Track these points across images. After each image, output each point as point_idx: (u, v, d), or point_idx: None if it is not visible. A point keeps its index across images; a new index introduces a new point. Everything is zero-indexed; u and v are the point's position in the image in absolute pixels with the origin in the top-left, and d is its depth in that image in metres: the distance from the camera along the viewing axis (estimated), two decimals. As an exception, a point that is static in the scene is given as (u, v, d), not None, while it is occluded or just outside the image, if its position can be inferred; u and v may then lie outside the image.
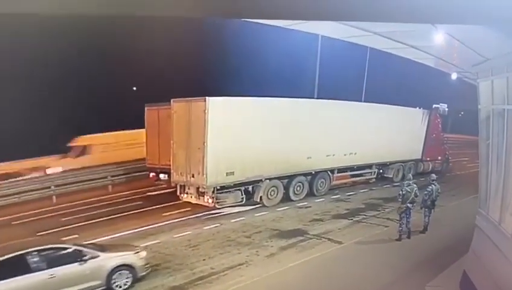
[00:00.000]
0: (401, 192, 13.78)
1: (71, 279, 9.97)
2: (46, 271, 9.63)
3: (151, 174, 19.43)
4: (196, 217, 16.77)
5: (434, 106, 26.47)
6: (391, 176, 23.76)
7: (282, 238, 14.19)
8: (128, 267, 10.81)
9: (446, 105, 27.81)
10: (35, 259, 9.62)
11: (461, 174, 26.39)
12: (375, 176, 23.27)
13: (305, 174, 19.30)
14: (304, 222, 16.10)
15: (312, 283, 10.89)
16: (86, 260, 10.16)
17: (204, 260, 12.46)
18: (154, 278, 11.30)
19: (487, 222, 9.32)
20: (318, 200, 19.50)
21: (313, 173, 19.60)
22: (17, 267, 9.39)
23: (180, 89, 19.18)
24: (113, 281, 10.56)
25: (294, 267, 11.68)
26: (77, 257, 10.13)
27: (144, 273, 11.12)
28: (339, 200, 19.76)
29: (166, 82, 24.52)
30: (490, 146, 9.48)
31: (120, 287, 10.66)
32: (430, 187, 14.12)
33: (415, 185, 13.80)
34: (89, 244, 11.26)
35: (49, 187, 20.34)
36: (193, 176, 16.38)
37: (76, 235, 14.68)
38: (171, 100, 17.06)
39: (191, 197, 16.91)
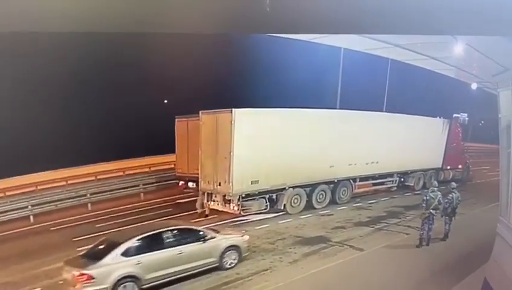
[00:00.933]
0: (425, 198, 13.52)
1: (194, 255, 11.43)
2: (176, 248, 11.13)
3: (180, 183, 19.53)
4: (222, 224, 16.66)
5: (454, 115, 25.92)
6: (412, 184, 23.25)
7: (305, 245, 14.03)
8: (236, 247, 12.34)
9: (466, 114, 27.21)
10: (169, 237, 11.17)
11: (482, 182, 25.63)
12: (396, 184, 22.81)
13: (327, 183, 19.05)
14: (326, 229, 15.89)
15: (334, 289, 10.70)
16: (206, 240, 11.72)
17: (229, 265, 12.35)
18: (182, 283, 11.15)
19: (508, 230, 9.01)
20: (340, 208, 19.24)
21: (336, 181, 19.34)
22: (155, 243, 10.89)
23: (208, 101, 19.37)
24: (224, 259, 12.06)
25: (317, 274, 11.51)
26: (200, 237, 11.68)
27: (246, 254, 12.64)
28: (361, 208, 19.46)
29: (195, 95, 24.75)
30: (511, 154, 9.19)
31: (229, 264, 12.13)
32: (451, 195, 13.76)
33: (439, 193, 13.50)
34: (205, 228, 12.70)
35: (85, 195, 20.60)
36: (220, 184, 16.39)
37: None
38: (200, 112, 17.18)
39: (218, 204, 16.88)
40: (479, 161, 30.25)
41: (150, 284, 10.69)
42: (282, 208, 17.68)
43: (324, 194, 19.10)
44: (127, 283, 10.27)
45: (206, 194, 17.18)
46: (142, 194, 21.90)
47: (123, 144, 24.71)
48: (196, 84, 25.74)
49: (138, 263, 10.44)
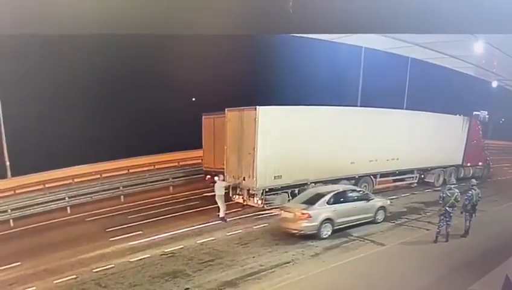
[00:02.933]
0: (441, 195, 13.19)
1: (362, 210, 15.01)
2: (354, 203, 14.80)
3: (207, 177, 19.55)
4: (247, 216, 16.72)
5: (474, 113, 25.26)
6: (432, 181, 22.68)
7: (327, 239, 13.83)
8: (384, 208, 15.75)
9: (486, 112, 26.51)
10: (351, 195, 14.99)
11: (502, 179, 25.04)
12: (416, 180, 22.30)
13: (348, 179, 18.74)
14: None
15: (354, 282, 10.52)
16: (369, 200, 15.34)
17: (253, 257, 12.38)
18: (209, 272, 11.34)
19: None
20: None
21: (357, 177, 19.04)
22: (343, 197, 14.59)
23: (234, 99, 19.39)
24: (377, 216, 15.45)
25: (338, 267, 11.36)
26: (366, 198, 15.34)
27: (389, 214, 15.92)
28: None
29: (222, 93, 24.81)
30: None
31: (378, 220, 15.45)
32: (470, 192, 13.37)
33: (456, 190, 13.09)
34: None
35: (118, 188, 20.78)
36: (244, 179, 16.33)
37: (141, 231, 15.03)
38: (226, 109, 17.13)
39: (242, 198, 16.83)
40: (500, 159, 29.49)
41: (336, 227, 14.14)
42: None
43: None
44: (326, 223, 13.92)
45: (231, 188, 17.06)
46: (171, 187, 21.94)
47: (154, 140, 24.95)
48: (223, 83, 25.77)
49: (334, 210, 14.10)
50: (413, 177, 22.12)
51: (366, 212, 15.21)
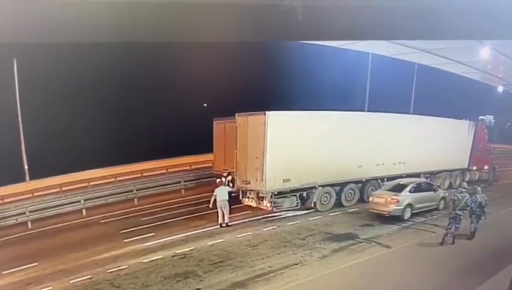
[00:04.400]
0: (452, 197, 13.15)
1: (431, 199, 17.22)
2: (426, 192, 17.05)
3: (218, 180, 19.41)
4: (256, 219, 16.69)
5: (480, 117, 25.01)
6: (438, 184, 22.00)
7: (335, 241, 13.81)
8: (444, 199, 17.60)
9: (492, 116, 26.24)
10: (424, 186, 17.32)
11: (508, 183, 24.59)
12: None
13: (356, 182, 18.70)
14: (354, 227, 15.60)
15: (361, 284, 10.47)
16: (435, 190, 17.71)
17: (263, 258, 12.35)
18: (220, 273, 11.34)
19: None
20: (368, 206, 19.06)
21: (364, 180, 18.95)
22: (418, 187, 16.83)
23: (244, 104, 19.32)
24: (440, 205, 17.42)
25: (345, 269, 11.32)
26: (434, 189, 17.74)
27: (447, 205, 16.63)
28: None
29: (232, 99, 24.87)
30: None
31: (440, 208, 17.31)
32: (474, 196, 13.19)
33: (466, 194, 13.00)
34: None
35: (132, 191, 20.88)
36: (254, 182, 16.27)
37: (153, 233, 15.07)
38: (236, 114, 17.09)
39: (252, 201, 16.84)
40: (505, 162, 29.01)
41: (413, 211, 16.36)
42: (312, 205, 17.45)
43: (353, 192, 18.74)
44: (408, 208, 16.25)
45: (241, 191, 17.07)
46: (183, 190, 22.00)
47: (167, 144, 25.06)
48: (233, 88, 25.83)
49: (414, 197, 16.44)
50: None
51: (433, 201, 17.43)
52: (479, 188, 13.80)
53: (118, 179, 22.28)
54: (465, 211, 12.99)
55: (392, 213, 15.96)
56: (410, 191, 16.53)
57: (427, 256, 12.28)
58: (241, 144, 16.92)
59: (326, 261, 12.15)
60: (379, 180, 19.55)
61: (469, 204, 12.94)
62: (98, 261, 12.79)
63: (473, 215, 13.27)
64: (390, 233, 14.80)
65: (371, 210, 16.58)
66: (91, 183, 21.29)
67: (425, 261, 11.79)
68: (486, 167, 24.76)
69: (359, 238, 14.22)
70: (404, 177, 19.29)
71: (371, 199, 16.92)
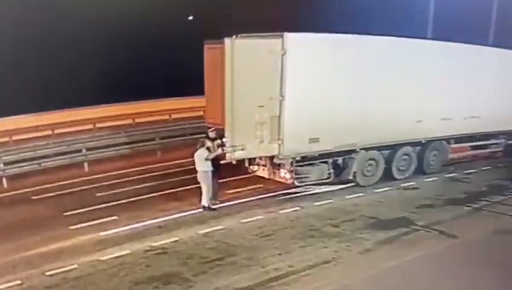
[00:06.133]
0: None
1: None
2: None
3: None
4: (270, 197, 17.20)
5: None
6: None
7: (381, 230, 14.26)
8: None
9: None
10: None
11: None
12: (502, 148, 22.75)
13: (413, 144, 19.14)
14: (409, 209, 16.07)
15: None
16: None
17: (280, 254, 12.71)
18: (217, 276, 11.65)
19: None
20: (428, 179, 19.54)
21: (424, 142, 19.39)
22: None
23: (251, 21, 19.62)
24: None
25: (395, 269, 11.71)
26: None
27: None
28: (455, 180, 19.70)
29: (234, 11, 24.83)
30: None
31: None
32: None
33: None
34: None
35: (80, 151, 21.25)
36: (266, 142, 16.22)
37: (115, 217, 15.51)
38: (234, 36, 15.78)
39: (263, 170, 17.22)
40: None
41: None
42: (351, 177, 17.95)
43: (408, 159, 19.29)
44: None
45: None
46: (158, 151, 22.51)
47: (132, 81, 25.32)
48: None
49: None
50: (498, 143, 22.53)
51: None
52: None
53: (56, 132, 22.97)
54: None
55: None
56: None
57: (508, 249, 12.76)
58: (242, 83, 15.79)
59: (370, 258, 12.58)
60: (444, 142, 20.13)
61: None
62: (30, 259, 12.70)
63: None
64: (456, 217, 15.30)
65: None
66: (13, 138, 21.80)
67: (506, 257, 12.20)
68: None
69: (415, 224, 14.70)
70: (479, 137, 20.21)
71: None
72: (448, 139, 20.26)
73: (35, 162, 20.44)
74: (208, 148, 16.19)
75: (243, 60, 15.66)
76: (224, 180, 17.36)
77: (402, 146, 18.93)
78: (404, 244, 13.44)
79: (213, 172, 16.09)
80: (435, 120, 19.35)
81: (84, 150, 21.46)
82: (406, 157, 19.27)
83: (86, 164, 21.30)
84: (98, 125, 24.26)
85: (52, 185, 19.12)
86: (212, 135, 16.53)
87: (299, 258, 12.65)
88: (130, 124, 24.44)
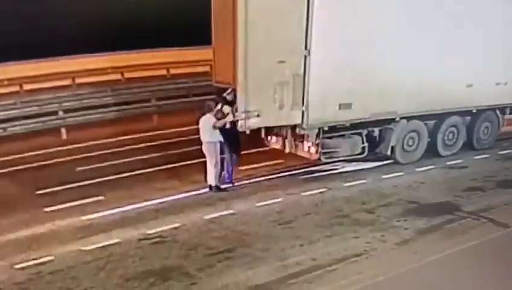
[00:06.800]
0: None
1: None
2: None
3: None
4: (291, 175, 17.54)
5: None
6: None
7: (422, 217, 14.44)
8: None
9: None
10: None
11: None
12: None
13: (461, 114, 19.36)
14: (455, 191, 16.30)
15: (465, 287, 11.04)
16: None
17: (301, 245, 12.90)
18: (226, 271, 11.85)
19: None
20: (479, 156, 19.88)
21: (474, 111, 19.59)
22: None
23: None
24: None
25: (437, 263, 11.81)
26: None
27: None
28: (510, 158, 19.94)
29: None
30: None
31: None
32: None
33: None
34: None
35: (56, 113, 21.79)
36: (286, 108, 16.38)
37: (101, 197, 15.83)
38: None
39: (283, 142, 17.46)
40: None
41: None
42: (388, 153, 18.26)
43: (455, 132, 19.57)
44: None
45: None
46: (154, 115, 22.99)
47: (122, 24, 25.51)
48: None
49: None
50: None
51: None
52: None
53: (26, 88, 23.45)
54: None
55: None
56: None
57: None
58: (260, 31, 15.89)
59: (408, 250, 12.73)
60: (498, 112, 20.35)
61: None
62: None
63: None
64: (509, 203, 15.44)
65: None
66: None
67: None
68: None
69: (461, 211, 14.89)
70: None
71: None
72: (502, 108, 20.42)
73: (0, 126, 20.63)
74: (222, 114, 16.22)
75: (261, 1, 15.69)
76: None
77: (449, 116, 19.11)
78: (447, 235, 13.61)
79: (229, 145, 16.52)
80: (488, 84, 19.39)
81: (61, 113, 21.92)
82: (453, 129, 19.51)
83: (63, 130, 21.77)
84: (79, 80, 24.32)
85: (21, 155, 19.51)
86: (230, 97, 16.37)
87: (324, 250, 12.80)
88: (118, 80, 24.66)
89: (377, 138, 18.22)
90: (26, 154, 19.53)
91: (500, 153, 20.55)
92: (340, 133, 17.26)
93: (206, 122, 16.08)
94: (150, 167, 18.24)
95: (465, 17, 18.25)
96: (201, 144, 16.33)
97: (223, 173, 16.88)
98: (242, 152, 17.35)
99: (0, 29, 23.49)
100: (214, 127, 15.98)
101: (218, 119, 16.07)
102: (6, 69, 24.90)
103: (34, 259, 12.26)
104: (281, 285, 11.35)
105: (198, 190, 16.53)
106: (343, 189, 16.65)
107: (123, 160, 18.86)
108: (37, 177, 17.61)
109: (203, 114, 16.24)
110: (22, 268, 11.90)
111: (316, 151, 16.79)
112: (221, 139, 16.19)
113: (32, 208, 15.14)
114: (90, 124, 22.28)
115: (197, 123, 16.47)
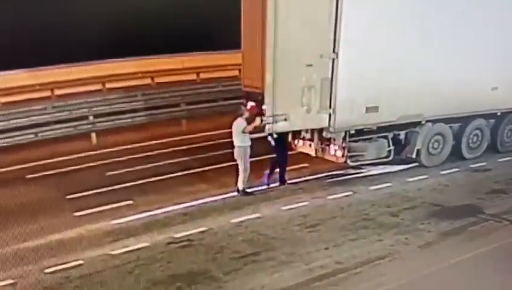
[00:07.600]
0: None
1: None
2: None
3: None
4: (317, 179, 17.66)
5: None
6: None
7: (445, 219, 14.61)
8: None
9: None
10: None
11: None
12: None
13: (485, 116, 19.33)
14: (478, 194, 16.40)
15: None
16: None
17: (326, 248, 13.09)
18: (252, 274, 12.06)
19: None
20: (502, 159, 19.93)
21: (499, 114, 19.59)
22: None
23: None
24: None
25: (460, 265, 11.99)
26: None
27: None
28: None
29: None
30: None
31: None
32: None
33: None
34: None
35: (86, 118, 21.99)
36: (313, 112, 16.54)
37: (131, 201, 16.09)
38: None
39: (309, 145, 17.60)
40: None
41: None
42: (413, 156, 18.32)
43: (480, 135, 19.59)
44: None
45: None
46: (184, 120, 23.09)
47: (152, 29, 26.02)
48: None
49: None
50: None
51: None
52: None
53: (57, 93, 23.67)
54: None
55: None
56: None
57: None
58: (288, 36, 16.04)
59: (431, 252, 12.92)
60: None
61: None
62: (26, 253, 12.99)
63: None
64: None
65: None
66: (1, 101, 22.49)
67: None
68: None
69: (484, 213, 15.03)
70: None
71: None
72: None
73: (30, 131, 20.97)
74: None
75: (290, 4, 15.78)
76: (261, 157, 17.77)
77: (474, 119, 19.13)
78: (470, 237, 13.74)
79: (277, 149, 16.88)
80: None
81: (91, 117, 22.10)
82: (477, 132, 19.53)
83: (93, 135, 21.94)
84: (109, 85, 24.62)
85: (51, 160, 19.64)
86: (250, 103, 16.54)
87: (349, 253, 12.99)
88: (148, 84, 24.97)
89: (403, 141, 18.33)
90: (56, 159, 19.66)
91: (524, 156, 19.98)
92: (366, 137, 17.42)
93: (237, 126, 16.28)
94: (178, 171, 18.44)
95: (490, 20, 18.34)
96: (231, 147, 16.56)
97: (265, 172, 17.37)
98: (269, 156, 17.81)
99: (31, 34, 23.48)
100: (243, 132, 16.16)
101: (249, 123, 16.18)
102: (38, 74, 25.22)
103: (63, 263, 12.44)
104: (306, 288, 11.53)
105: (226, 193, 16.76)
106: (368, 192, 16.81)
107: (152, 164, 19.05)
108: (68, 182, 17.80)
109: (236, 118, 16.44)
110: (52, 272, 12.06)
111: (343, 155, 16.98)
112: (250, 143, 16.44)
113: (62, 213, 15.40)
114: (120, 129, 22.49)
115: (224, 127, 17.20)
